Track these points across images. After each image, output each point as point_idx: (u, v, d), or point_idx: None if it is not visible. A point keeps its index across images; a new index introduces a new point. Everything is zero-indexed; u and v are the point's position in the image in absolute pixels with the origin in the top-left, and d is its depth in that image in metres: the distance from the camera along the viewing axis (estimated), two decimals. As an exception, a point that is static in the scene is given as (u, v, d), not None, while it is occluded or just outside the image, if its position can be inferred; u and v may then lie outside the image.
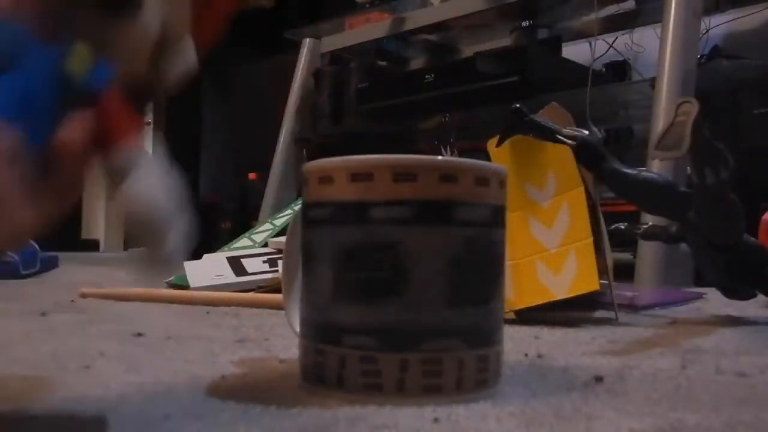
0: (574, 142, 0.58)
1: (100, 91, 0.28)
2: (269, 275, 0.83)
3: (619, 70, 1.51)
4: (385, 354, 0.31)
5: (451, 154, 1.20)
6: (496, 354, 0.34)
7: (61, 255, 1.26)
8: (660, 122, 1.03)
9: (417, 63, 1.93)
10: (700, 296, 0.81)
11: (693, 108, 0.53)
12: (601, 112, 1.36)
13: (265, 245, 0.98)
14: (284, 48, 1.95)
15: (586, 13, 1.53)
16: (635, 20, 1.54)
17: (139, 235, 0.29)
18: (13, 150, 0.25)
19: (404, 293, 0.31)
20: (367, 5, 1.74)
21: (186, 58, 0.32)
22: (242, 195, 2.04)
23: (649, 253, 0.99)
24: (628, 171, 0.58)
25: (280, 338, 0.50)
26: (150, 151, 0.30)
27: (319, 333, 0.33)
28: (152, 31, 0.30)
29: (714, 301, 0.78)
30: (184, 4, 0.32)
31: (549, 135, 0.59)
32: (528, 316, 0.62)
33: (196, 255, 0.95)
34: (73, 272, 1.17)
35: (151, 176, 0.29)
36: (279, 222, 1.06)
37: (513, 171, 0.65)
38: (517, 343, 0.49)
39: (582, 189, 0.61)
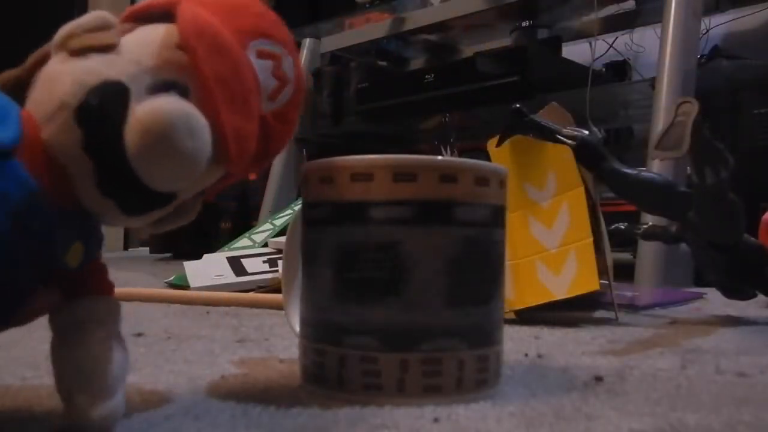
0: (574, 142, 0.58)
1: (80, 269, 0.28)
2: (269, 275, 0.84)
3: (619, 70, 1.51)
4: (385, 354, 0.31)
5: (451, 154, 1.20)
6: (496, 354, 0.34)
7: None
8: (660, 122, 1.03)
9: (417, 63, 1.93)
10: (700, 296, 0.81)
11: (693, 108, 0.53)
12: (601, 112, 1.36)
13: (265, 245, 0.98)
14: (284, 48, 1.95)
15: (586, 13, 1.53)
16: (635, 20, 1.54)
17: (67, 400, 0.27)
18: None
19: (404, 293, 0.31)
20: (367, 5, 1.74)
21: (183, 217, 0.32)
22: (242, 195, 2.04)
23: (649, 253, 0.99)
24: (628, 171, 0.58)
25: (280, 338, 0.50)
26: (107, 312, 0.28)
27: (319, 333, 0.33)
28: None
29: (714, 301, 0.78)
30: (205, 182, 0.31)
31: (549, 135, 0.59)
32: (528, 316, 0.62)
33: (196, 255, 0.95)
34: (73, 272, 1.16)
35: (96, 339, 0.27)
36: (279, 222, 1.06)
37: (513, 171, 0.65)
38: (517, 343, 0.49)
39: (582, 189, 0.61)
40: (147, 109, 0.26)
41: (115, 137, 0.26)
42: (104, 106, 0.27)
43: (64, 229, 0.27)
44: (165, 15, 0.30)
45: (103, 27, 0.28)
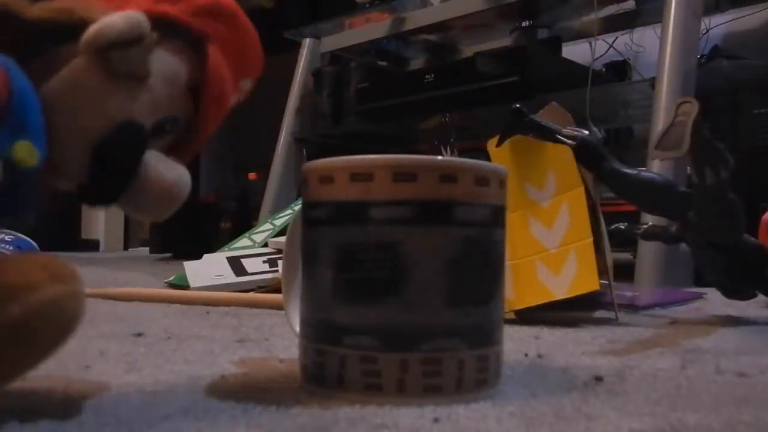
0: (574, 142, 0.58)
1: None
2: (269, 275, 0.84)
3: (619, 70, 1.51)
4: (385, 354, 0.31)
5: (451, 154, 1.20)
6: (496, 354, 0.34)
7: (60, 255, 1.26)
8: (660, 122, 1.03)
9: (417, 63, 1.93)
10: (700, 296, 0.81)
11: (693, 108, 0.53)
12: (601, 112, 1.36)
13: (265, 245, 0.98)
14: (284, 48, 1.95)
15: (586, 13, 1.53)
16: (635, 20, 1.54)
17: None
18: None
19: (404, 293, 0.31)
20: (367, 5, 1.74)
21: None
22: (242, 195, 2.04)
23: (649, 253, 0.99)
24: (628, 171, 0.58)
25: (280, 338, 0.50)
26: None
27: (319, 333, 0.33)
28: None
29: (714, 301, 0.78)
30: None
31: (549, 135, 0.59)
32: (528, 316, 0.62)
33: (196, 255, 0.95)
34: (73, 272, 1.16)
35: None
36: (279, 222, 1.06)
37: (513, 171, 0.65)
38: (517, 343, 0.49)
39: (582, 189, 0.61)
40: (160, 177, 0.29)
41: (119, 179, 0.29)
42: (122, 153, 0.29)
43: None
44: (187, 34, 0.32)
45: (139, 38, 0.29)
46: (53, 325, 0.25)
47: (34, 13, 0.29)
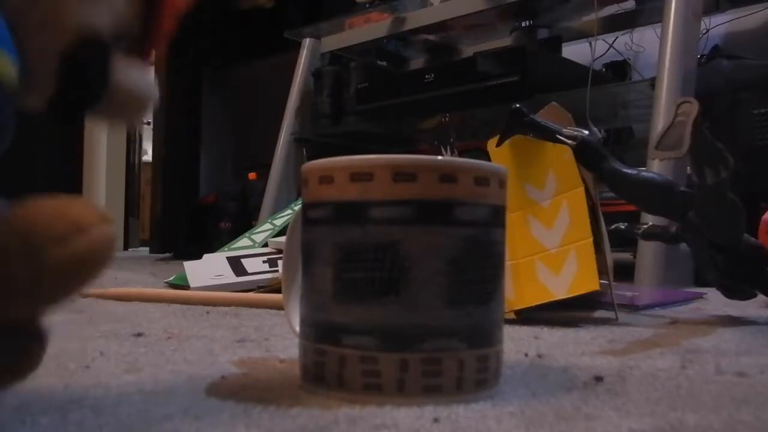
0: (574, 142, 0.58)
1: None
2: (269, 275, 0.84)
3: (619, 70, 1.51)
4: (385, 354, 0.31)
5: (451, 154, 1.20)
6: (496, 354, 0.34)
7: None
8: (660, 122, 1.03)
9: (417, 63, 1.93)
10: (700, 296, 0.81)
11: (693, 108, 0.53)
12: (601, 112, 1.36)
13: (265, 245, 0.98)
14: (284, 48, 1.95)
15: (586, 13, 1.53)
16: (635, 20, 1.54)
17: None
18: None
19: (404, 293, 0.31)
20: (367, 5, 1.74)
21: None
22: (242, 195, 2.04)
23: (649, 253, 0.99)
24: (628, 171, 0.58)
25: (280, 338, 0.50)
26: None
27: (319, 333, 0.33)
28: None
29: (714, 301, 0.78)
30: None
31: (549, 135, 0.59)
32: (528, 316, 0.62)
33: (196, 255, 0.95)
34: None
35: None
36: (279, 222, 1.06)
37: (513, 171, 0.65)
38: (517, 343, 0.49)
39: (582, 189, 0.61)
40: (130, 81, 0.31)
41: (93, 89, 0.30)
42: (92, 64, 0.31)
43: None
44: None
45: None
46: (107, 257, 0.28)
47: None
